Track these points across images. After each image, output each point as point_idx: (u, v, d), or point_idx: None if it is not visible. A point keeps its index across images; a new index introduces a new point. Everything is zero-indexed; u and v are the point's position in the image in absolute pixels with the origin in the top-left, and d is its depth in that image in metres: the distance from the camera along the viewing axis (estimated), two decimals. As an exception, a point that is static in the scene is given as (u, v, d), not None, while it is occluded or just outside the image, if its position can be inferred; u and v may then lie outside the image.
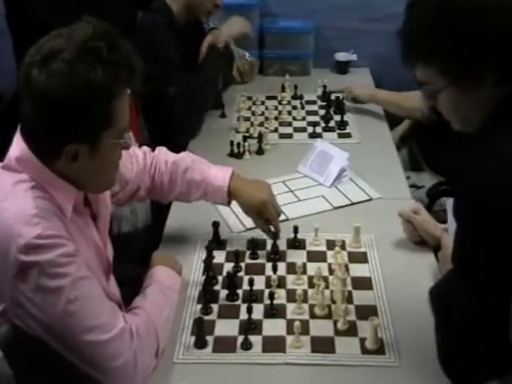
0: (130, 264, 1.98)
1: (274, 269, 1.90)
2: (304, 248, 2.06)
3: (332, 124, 2.89)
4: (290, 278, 1.92)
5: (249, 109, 3.01)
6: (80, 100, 1.42)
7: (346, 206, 2.31)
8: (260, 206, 2.03)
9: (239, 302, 1.84)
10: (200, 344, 1.69)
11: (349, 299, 1.81)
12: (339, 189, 2.41)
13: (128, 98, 1.56)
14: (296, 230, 2.06)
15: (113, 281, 1.79)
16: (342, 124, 2.87)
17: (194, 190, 2.05)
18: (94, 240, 1.70)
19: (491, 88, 1.37)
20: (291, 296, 1.83)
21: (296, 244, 2.07)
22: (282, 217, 2.15)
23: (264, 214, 2.05)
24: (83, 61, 1.41)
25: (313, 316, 1.78)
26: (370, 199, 2.34)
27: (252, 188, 2.06)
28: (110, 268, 1.78)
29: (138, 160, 2.03)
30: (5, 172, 1.54)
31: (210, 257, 1.94)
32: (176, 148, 2.67)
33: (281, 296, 1.84)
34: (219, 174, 2.06)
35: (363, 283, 1.90)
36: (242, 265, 1.98)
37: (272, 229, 2.07)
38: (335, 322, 1.75)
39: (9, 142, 1.60)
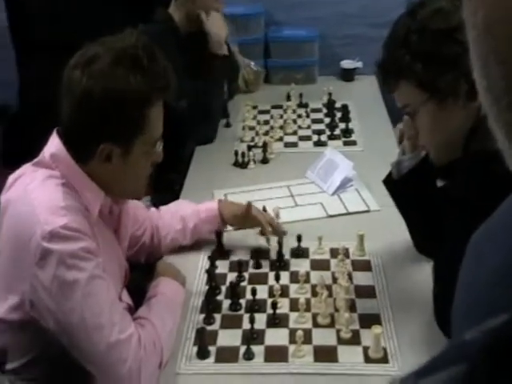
0: (134, 273, 1.99)
1: (277, 278, 1.90)
2: (307, 257, 2.05)
3: (337, 132, 2.88)
4: (293, 287, 1.91)
5: (254, 118, 3.00)
6: (117, 102, 1.52)
7: (341, 214, 2.29)
8: (243, 212, 2.06)
9: (242, 311, 1.83)
10: (202, 354, 1.68)
11: (352, 308, 1.80)
12: (340, 197, 2.39)
13: (162, 109, 1.64)
14: (299, 238, 2.05)
15: (125, 291, 1.80)
16: (348, 132, 2.86)
17: (189, 221, 2.07)
18: (116, 248, 1.74)
19: (464, 105, 1.43)
20: (294, 305, 1.82)
21: (300, 253, 2.06)
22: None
23: (250, 219, 2.07)
24: (123, 65, 1.52)
25: (316, 325, 1.77)
26: (368, 211, 2.31)
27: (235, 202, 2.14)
28: (126, 277, 1.82)
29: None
30: (37, 168, 1.61)
31: (212, 267, 1.94)
32: (181, 161, 2.66)
33: (284, 305, 1.84)
34: (208, 203, 2.14)
35: (367, 291, 1.89)
36: (246, 274, 1.97)
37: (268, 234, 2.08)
38: (338, 331, 1.74)
39: (14, 152, 1.65)
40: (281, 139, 2.84)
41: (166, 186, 2.68)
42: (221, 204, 2.10)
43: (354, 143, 2.80)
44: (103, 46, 1.57)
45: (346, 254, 2.01)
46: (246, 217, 2.07)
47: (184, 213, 2.08)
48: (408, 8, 1.58)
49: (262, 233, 2.12)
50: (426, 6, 1.55)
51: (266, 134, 2.85)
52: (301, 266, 2.00)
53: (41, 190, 1.56)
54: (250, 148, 2.67)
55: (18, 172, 1.65)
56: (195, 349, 1.70)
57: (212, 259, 1.96)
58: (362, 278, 1.94)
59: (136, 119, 1.57)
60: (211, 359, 1.68)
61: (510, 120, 0.49)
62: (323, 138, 2.82)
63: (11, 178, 1.64)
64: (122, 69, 1.52)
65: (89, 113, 1.54)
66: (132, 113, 1.55)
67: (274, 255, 2.04)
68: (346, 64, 3.46)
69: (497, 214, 0.55)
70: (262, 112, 3.06)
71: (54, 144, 1.62)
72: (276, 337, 1.74)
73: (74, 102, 1.55)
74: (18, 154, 1.92)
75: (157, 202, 2.39)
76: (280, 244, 2.03)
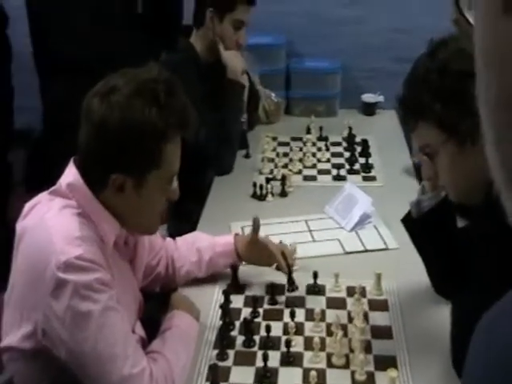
0: (148, 304, 1.98)
1: (292, 315, 1.87)
2: (324, 294, 2.02)
3: (357, 167, 2.87)
4: (309, 325, 1.88)
5: (273, 150, 2.99)
6: (131, 134, 1.52)
7: (358, 252, 2.27)
8: (252, 239, 2.06)
9: (256, 348, 1.80)
10: (214, 391, 1.66)
11: (367, 348, 1.77)
12: (358, 234, 2.37)
13: (180, 145, 1.62)
14: (316, 275, 2.03)
15: (138, 322, 1.79)
16: (367, 167, 2.85)
17: (204, 253, 2.05)
18: (130, 280, 1.73)
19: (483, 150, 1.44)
20: (309, 344, 1.79)
21: (316, 290, 2.03)
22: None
23: (262, 249, 2.06)
24: (142, 98, 1.52)
25: (330, 365, 1.74)
26: (386, 248, 2.28)
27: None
28: (140, 310, 1.80)
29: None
30: (53, 197, 1.61)
31: (227, 301, 1.92)
32: (199, 191, 2.65)
33: (298, 343, 1.81)
34: (224, 237, 2.13)
35: (383, 332, 1.85)
36: (260, 310, 1.95)
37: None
38: (353, 373, 1.70)
39: (37, 178, 1.65)
40: (300, 172, 2.83)
41: (183, 215, 2.67)
42: (236, 238, 2.09)
43: (373, 179, 2.79)
44: (124, 77, 1.57)
45: (363, 292, 1.98)
46: (257, 246, 2.06)
47: (200, 245, 2.06)
48: (429, 47, 1.57)
49: (278, 267, 2.10)
50: (448, 45, 1.53)
51: (285, 166, 2.84)
52: (317, 303, 1.97)
53: (58, 220, 1.56)
54: (268, 180, 2.65)
55: (33, 200, 1.65)
56: (207, 385, 1.68)
57: (227, 293, 1.94)
58: (378, 318, 1.91)
59: (151, 152, 1.56)
60: (223, 397, 1.65)
61: None
62: (342, 172, 2.80)
63: (27, 206, 1.64)
64: (139, 101, 1.52)
65: (105, 142, 1.54)
66: (147, 145, 1.55)
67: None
68: (368, 98, 3.45)
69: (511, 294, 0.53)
70: (281, 144, 3.06)
71: (70, 173, 1.62)
72: (289, 376, 1.71)
73: (91, 130, 1.56)
74: (40, 179, 1.92)
75: (174, 232, 2.38)
76: (289, 269, 2.04)
